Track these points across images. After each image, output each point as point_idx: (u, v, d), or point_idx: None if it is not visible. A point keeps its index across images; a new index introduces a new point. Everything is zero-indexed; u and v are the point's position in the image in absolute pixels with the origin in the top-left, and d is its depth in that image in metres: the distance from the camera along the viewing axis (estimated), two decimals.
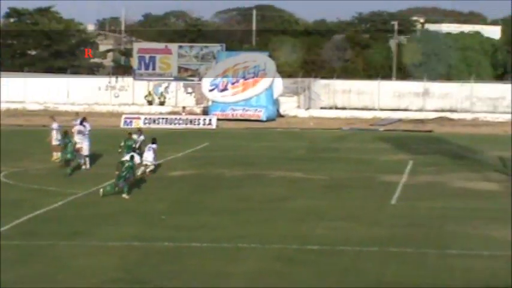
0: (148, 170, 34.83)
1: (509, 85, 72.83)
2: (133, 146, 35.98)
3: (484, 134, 57.01)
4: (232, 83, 67.09)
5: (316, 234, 24.29)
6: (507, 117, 66.19)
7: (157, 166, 36.29)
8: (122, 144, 36.47)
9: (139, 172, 33.45)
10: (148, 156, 35.00)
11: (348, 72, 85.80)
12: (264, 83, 66.62)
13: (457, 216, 27.05)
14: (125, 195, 29.76)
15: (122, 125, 59.21)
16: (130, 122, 60.19)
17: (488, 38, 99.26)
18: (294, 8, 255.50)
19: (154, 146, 35.66)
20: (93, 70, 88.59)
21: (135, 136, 37.41)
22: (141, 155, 34.17)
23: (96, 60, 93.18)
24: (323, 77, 77.98)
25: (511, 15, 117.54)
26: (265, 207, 28.69)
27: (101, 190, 30.22)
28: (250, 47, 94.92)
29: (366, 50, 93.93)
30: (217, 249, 22.41)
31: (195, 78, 73.25)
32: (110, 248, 22.41)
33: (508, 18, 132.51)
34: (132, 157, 31.04)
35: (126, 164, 30.42)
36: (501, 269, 20.42)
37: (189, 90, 74.02)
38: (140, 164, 33.60)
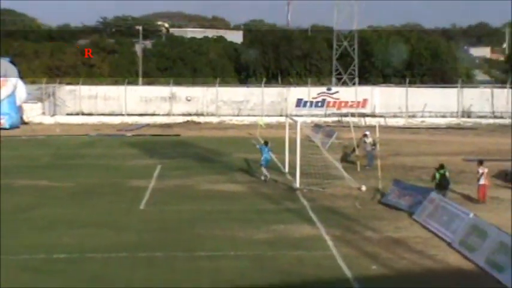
0: None
1: (252, 88, 75.36)
2: None
3: (229, 136, 58.40)
4: None
5: (64, 243, 23.79)
6: (251, 119, 68.37)
7: None
8: None
9: None
10: None
11: (94, 78, 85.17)
12: (5, 89, 64.64)
13: (205, 219, 27.48)
14: None
15: None
16: None
17: (231, 43, 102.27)
18: (36, 12, 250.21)
19: None
20: None
21: None
22: None
23: None
24: (68, 83, 76.98)
25: (251, 21, 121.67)
26: (10, 218, 27.70)
27: None
28: None
29: (111, 55, 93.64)
30: None
31: None
32: None
33: (248, 23, 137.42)
34: None
35: None
36: (246, 268, 20.98)
37: None
38: None
